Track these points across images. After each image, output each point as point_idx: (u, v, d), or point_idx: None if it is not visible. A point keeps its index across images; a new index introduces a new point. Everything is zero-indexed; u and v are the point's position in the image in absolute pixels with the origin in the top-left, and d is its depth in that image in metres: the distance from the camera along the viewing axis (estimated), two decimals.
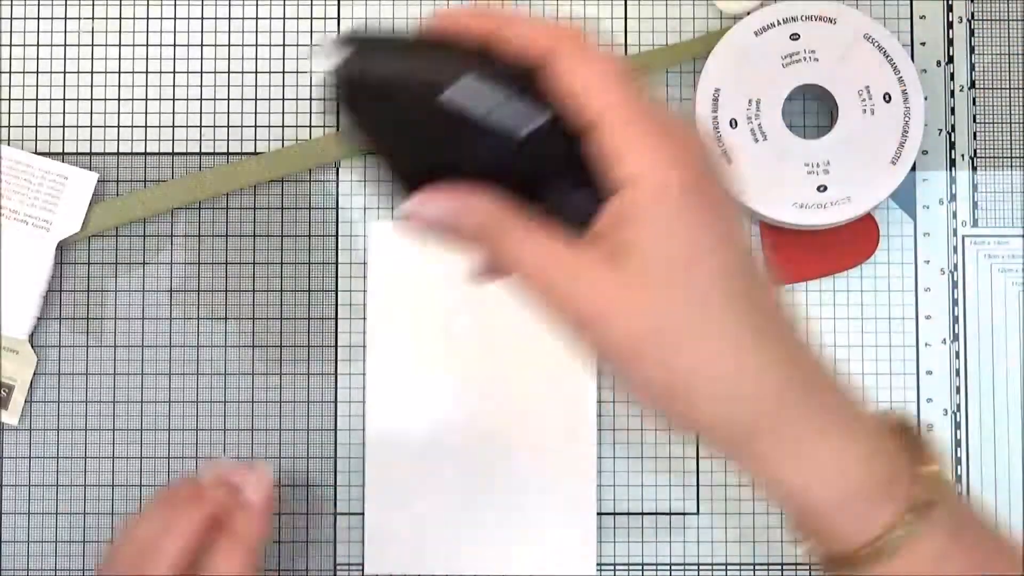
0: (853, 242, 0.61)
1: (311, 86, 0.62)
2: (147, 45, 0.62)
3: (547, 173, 0.42)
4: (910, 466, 0.43)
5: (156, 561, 0.52)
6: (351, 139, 0.43)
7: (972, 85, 0.62)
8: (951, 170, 0.62)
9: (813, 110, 0.62)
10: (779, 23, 0.59)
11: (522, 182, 0.42)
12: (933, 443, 0.44)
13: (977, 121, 0.62)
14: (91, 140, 0.62)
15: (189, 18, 0.62)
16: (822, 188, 0.59)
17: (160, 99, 0.62)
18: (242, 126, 0.62)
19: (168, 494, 0.56)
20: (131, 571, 0.53)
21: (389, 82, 0.41)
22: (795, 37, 0.59)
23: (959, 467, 0.61)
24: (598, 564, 0.60)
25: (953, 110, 0.62)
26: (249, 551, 0.54)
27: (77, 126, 0.62)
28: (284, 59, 0.62)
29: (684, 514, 0.61)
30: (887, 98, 0.59)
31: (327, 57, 0.41)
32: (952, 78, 0.62)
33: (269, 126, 0.62)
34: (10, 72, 0.62)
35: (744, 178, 0.59)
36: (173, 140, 0.62)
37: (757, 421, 0.42)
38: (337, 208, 0.62)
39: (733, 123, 0.59)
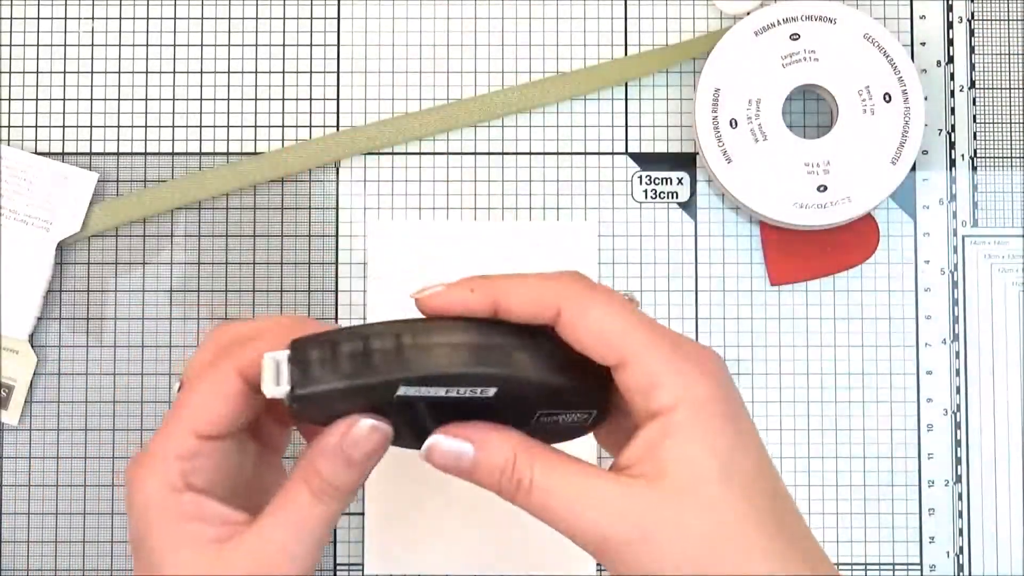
0: (853, 242, 0.61)
1: (311, 86, 0.62)
2: (147, 45, 0.62)
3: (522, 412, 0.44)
4: None
5: None
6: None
7: (972, 85, 0.62)
8: (951, 170, 0.62)
9: (813, 110, 0.62)
10: (779, 23, 0.59)
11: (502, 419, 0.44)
12: None
13: (977, 121, 0.62)
14: (91, 140, 0.62)
15: (189, 18, 0.62)
16: (822, 188, 0.59)
17: (160, 99, 0.62)
18: (242, 126, 0.62)
19: None
20: None
21: (342, 394, 0.43)
22: (795, 37, 0.59)
23: (959, 467, 0.61)
24: (598, 564, 0.60)
25: (953, 110, 0.62)
26: None
27: (77, 126, 0.62)
28: (284, 59, 0.62)
29: None
30: (887, 98, 0.59)
31: (276, 384, 0.43)
32: (952, 78, 0.62)
33: (269, 126, 0.62)
34: (10, 72, 0.62)
35: (744, 178, 0.59)
36: (173, 140, 0.62)
37: None
38: (337, 208, 0.62)
39: (733, 123, 0.59)
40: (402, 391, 0.42)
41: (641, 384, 0.43)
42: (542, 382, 0.43)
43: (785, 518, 0.44)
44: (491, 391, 0.43)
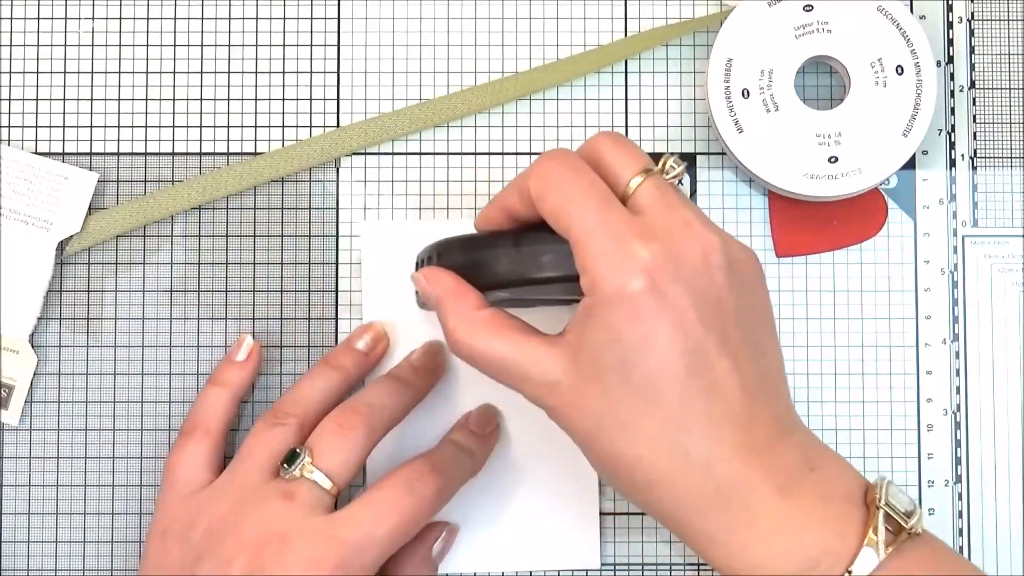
0: (861, 217, 0.61)
1: (311, 86, 0.62)
2: (147, 45, 0.62)
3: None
4: (862, 535, 0.47)
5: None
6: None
7: (972, 85, 0.62)
8: (951, 170, 0.62)
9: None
10: None
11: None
12: (902, 503, 0.48)
13: (977, 121, 0.62)
14: (91, 140, 0.62)
15: (189, 18, 0.62)
16: (833, 159, 0.59)
17: (160, 99, 0.62)
18: (242, 126, 0.62)
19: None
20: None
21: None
22: (808, 8, 0.59)
23: (959, 467, 0.61)
24: (603, 561, 0.60)
25: (953, 110, 0.62)
26: None
27: (77, 126, 0.62)
28: (284, 59, 0.62)
29: None
30: (899, 70, 0.59)
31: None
32: (952, 78, 0.62)
33: (269, 126, 0.62)
34: (10, 72, 0.62)
35: (756, 148, 0.59)
36: (173, 140, 0.62)
37: (701, 505, 0.47)
38: (337, 208, 0.62)
39: (745, 93, 0.59)
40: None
41: (579, 262, 0.48)
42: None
43: (711, 397, 0.47)
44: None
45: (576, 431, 0.48)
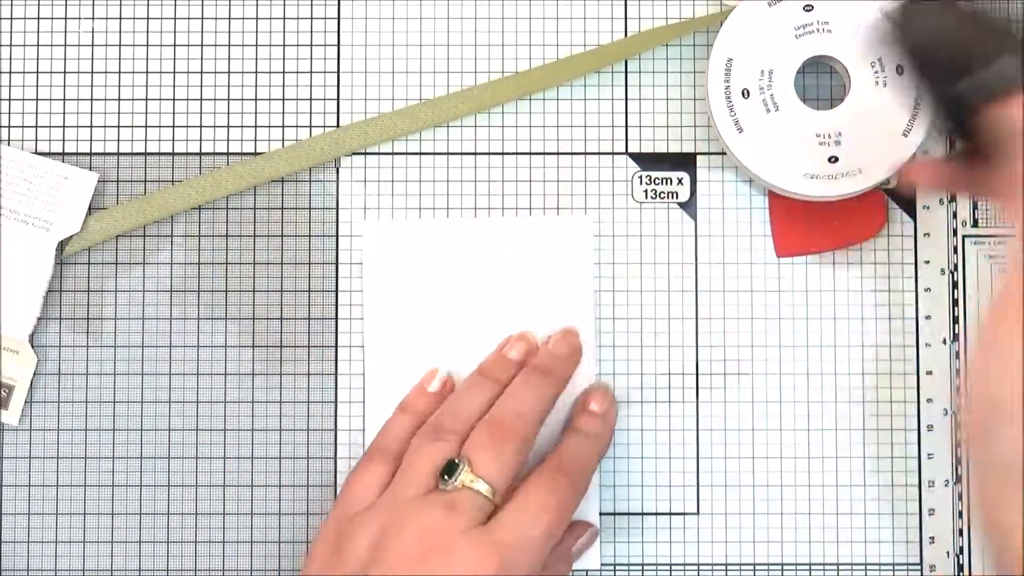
0: (861, 217, 0.61)
1: (311, 86, 0.62)
2: (147, 45, 0.62)
3: None
4: None
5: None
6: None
7: None
8: None
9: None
10: None
11: None
12: None
13: None
14: (91, 140, 0.62)
15: (189, 18, 0.62)
16: (833, 159, 0.59)
17: (160, 99, 0.62)
18: (242, 126, 0.62)
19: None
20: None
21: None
22: (808, 8, 0.59)
23: (959, 467, 0.61)
24: (603, 562, 0.60)
25: None
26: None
27: (77, 126, 0.62)
28: (284, 59, 0.62)
29: (684, 514, 0.61)
30: (899, 70, 0.59)
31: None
32: None
33: (269, 126, 0.62)
34: (10, 72, 0.62)
35: (755, 148, 0.59)
36: (173, 140, 0.62)
37: None
38: (337, 208, 0.62)
39: (745, 93, 0.59)
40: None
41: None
42: None
43: None
44: None
45: None
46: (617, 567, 0.60)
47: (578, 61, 0.61)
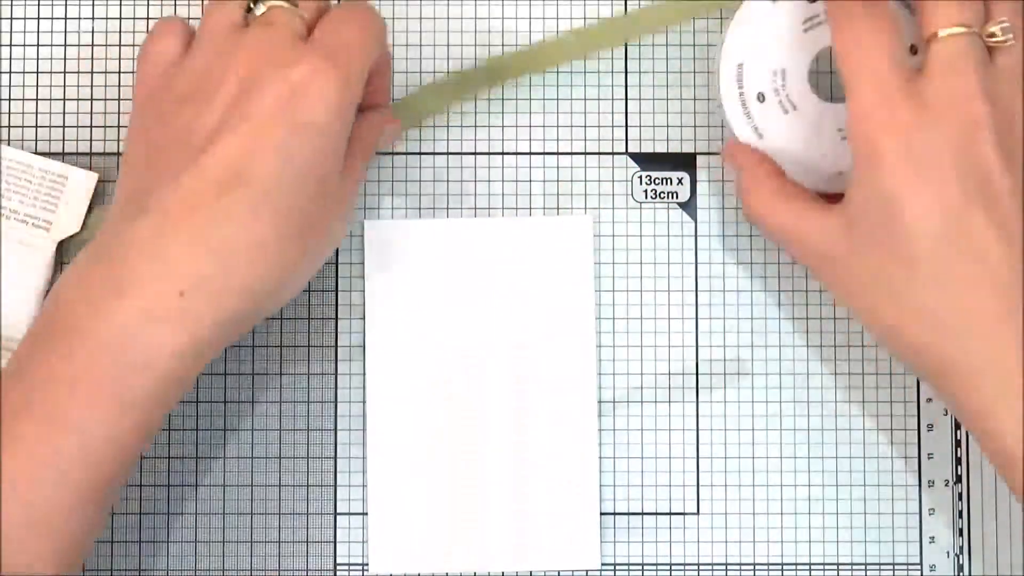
0: None
1: None
2: None
3: None
4: None
5: None
6: None
7: None
8: None
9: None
10: None
11: None
12: None
13: None
14: (91, 140, 0.62)
15: (189, 18, 0.62)
16: None
17: None
18: None
19: None
20: None
21: None
22: None
23: (959, 467, 0.61)
24: (603, 560, 0.60)
25: None
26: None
27: (77, 126, 0.62)
28: None
29: (684, 514, 0.61)
30: (913, 52, 0.57)
31: None
32: None
33: None
34: (10, 72, 0.62)
35: (780, 151, 0.58)
36: None
37: (967, 357, 0.50)
38: None
39: (760, 97, 0.58)
40: None
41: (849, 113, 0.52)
42: None
43: (968, 254, 0.50)
44: None
45: (845, 299, 0.54)
46: (617, 567, 0.60)
47: (582, 36, 0.61)
